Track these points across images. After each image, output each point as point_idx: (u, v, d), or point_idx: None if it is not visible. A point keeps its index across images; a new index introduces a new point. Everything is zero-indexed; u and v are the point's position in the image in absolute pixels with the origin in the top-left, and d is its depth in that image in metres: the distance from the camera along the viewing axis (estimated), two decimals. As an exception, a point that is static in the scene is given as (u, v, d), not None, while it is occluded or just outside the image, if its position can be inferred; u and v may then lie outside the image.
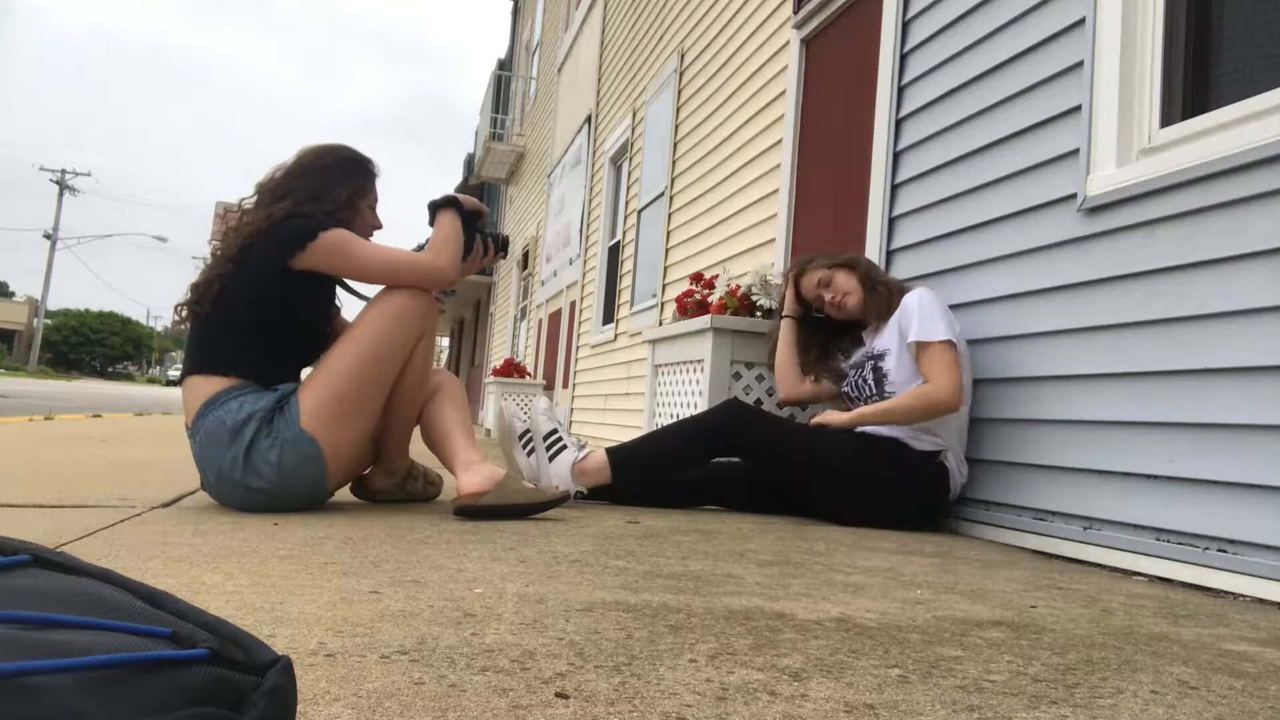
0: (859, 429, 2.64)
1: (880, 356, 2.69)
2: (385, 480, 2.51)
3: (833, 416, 2.71)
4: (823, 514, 2.68)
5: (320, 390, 2.20)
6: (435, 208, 2.43)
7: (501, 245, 2.53)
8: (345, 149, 2.43)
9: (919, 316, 2.55)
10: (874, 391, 2.69)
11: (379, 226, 2.47)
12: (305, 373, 2.32)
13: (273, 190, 2.30)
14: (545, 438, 2.69)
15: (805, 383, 2.96)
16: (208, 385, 2.19)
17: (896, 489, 2.55)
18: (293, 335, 2.29)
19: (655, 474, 2.75)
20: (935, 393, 2.50)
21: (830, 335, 2.94)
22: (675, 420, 2.83)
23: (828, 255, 2.90)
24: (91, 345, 72.65)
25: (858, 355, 2.83)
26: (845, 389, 2.86)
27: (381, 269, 2.28)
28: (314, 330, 2.36)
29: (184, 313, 2.27)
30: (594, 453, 2.71)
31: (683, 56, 6.15)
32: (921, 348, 2.54)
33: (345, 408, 2.21)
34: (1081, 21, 2.33)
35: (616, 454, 2.70)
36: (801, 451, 2.63)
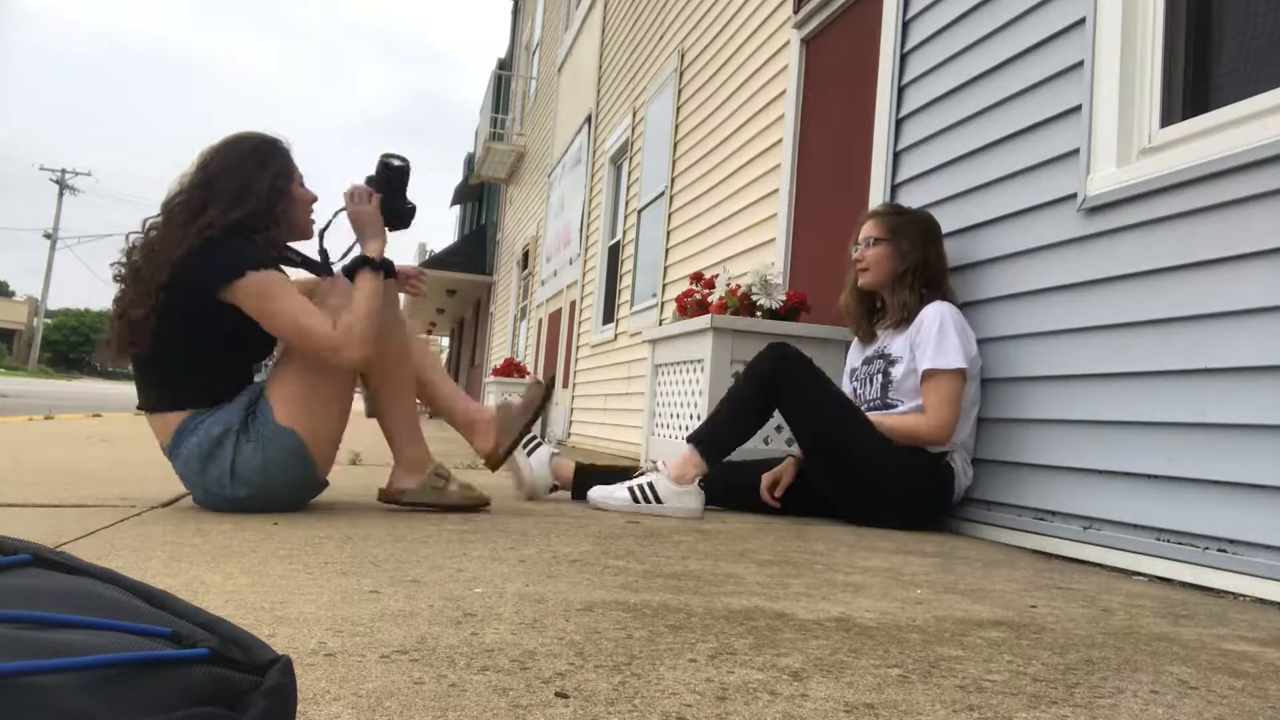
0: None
1: (891, 361, 2.68)
2: (409, 479, 2.34)
3: None
4: (825, 499, 2.70)
5: (290, 384, 2.16)
6: (351, 271, 2.21)
7: (405, 216, 2.31)
8: (249, 136, 2.22)
9: (934, 343, 2.52)
10: (877, 395, 2.69)
11: (315, 199, 2.29)
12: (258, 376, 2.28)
13: (188, 204, 2.11)
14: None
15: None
16: (170, 420, 2.14)
17: (902, 487, 2.55)
18: (239, 349, 2.20)
19: (738, 442, 2.65)
20: (925, 429, 2.52)
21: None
22: (724, 397, 2.75)
23: (906, 222, 2.72)
24: (91, 345, 72.68)
25: (871, 350, 2.81)
26: (851, 384, 2.86)
27: (289, 330, 2.10)
28: (260, 341, 2.21)
29: (113, 344, 2.13)
30: (683, 453, 2.65)
31: (683, 56, 6.15)
32: (929, 374, 2.54)
33: (319, 394, 2.17)
34: (1081, 21, 2.33)
35: (700, 441, 2.62)
36: (830, 421, 2.60)
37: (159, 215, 2.15)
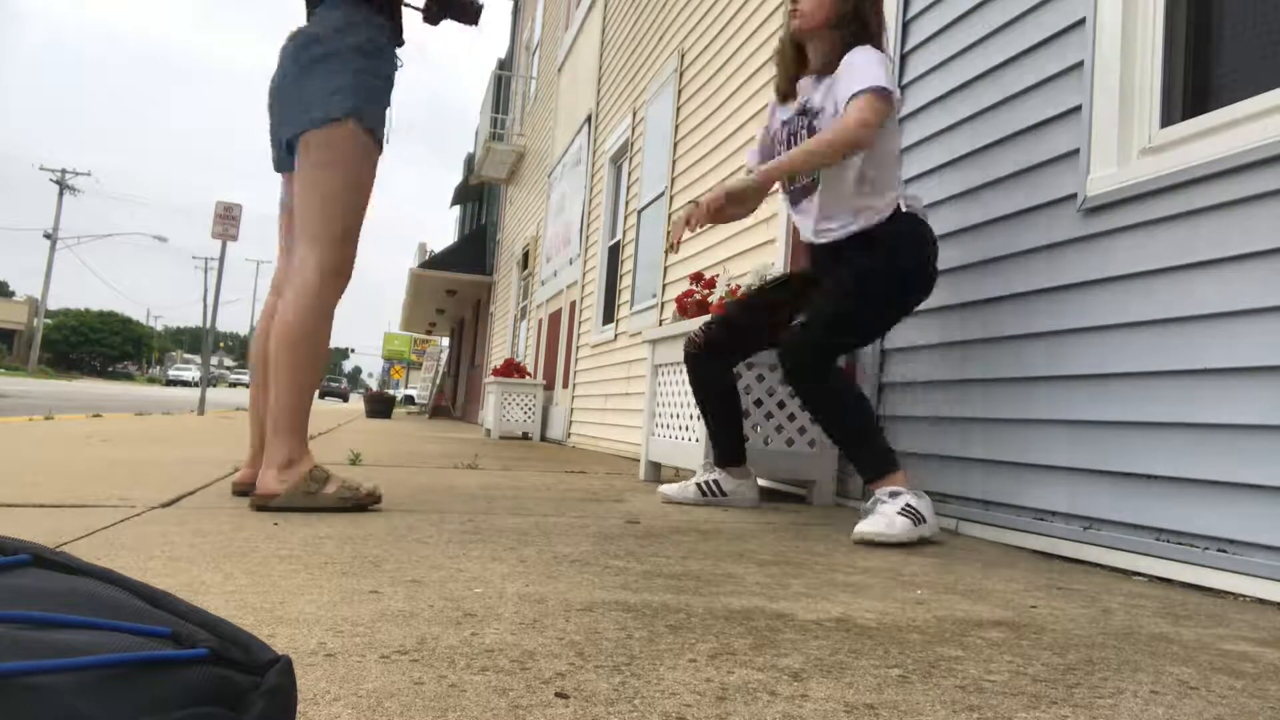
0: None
1: (814, 114, 2.56)
2: (278, 480, 2.17)
3: (720, 191, 2.47)
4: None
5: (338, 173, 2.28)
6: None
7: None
8: None
9: (859, 73, 2.40)
10: None
11: None
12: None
13: None
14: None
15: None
16: None
17: (907, 277, 2.52)
18: None
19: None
20: (843, 129, 2.35)
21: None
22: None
23: None
24: (91, 345, 72.70)
25: (790, 110, 2.66)
26: (776, 148, 2.74)
27: None
28: None
29: None
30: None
31: (683, 56, 6.15)
32: (852, 98, 2.39)
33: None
34: (1081, 21, 2.33)
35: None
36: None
37: None
